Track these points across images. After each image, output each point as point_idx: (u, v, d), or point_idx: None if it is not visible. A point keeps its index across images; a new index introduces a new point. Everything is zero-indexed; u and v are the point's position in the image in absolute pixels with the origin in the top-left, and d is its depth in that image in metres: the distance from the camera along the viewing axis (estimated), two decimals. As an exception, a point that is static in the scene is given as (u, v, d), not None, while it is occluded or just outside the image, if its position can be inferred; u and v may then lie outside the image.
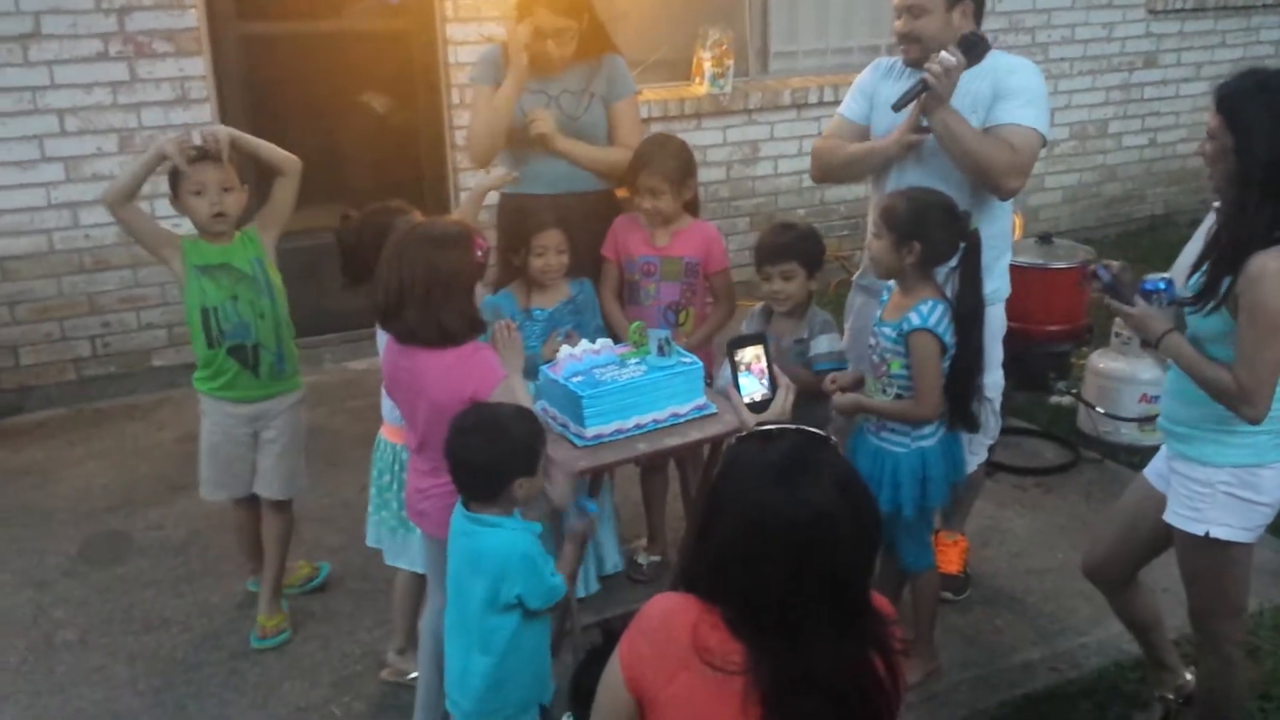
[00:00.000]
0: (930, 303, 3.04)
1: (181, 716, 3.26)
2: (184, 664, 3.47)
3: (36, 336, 5.28)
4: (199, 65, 5.30)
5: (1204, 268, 2.58)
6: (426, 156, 5.98)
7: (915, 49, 3.36)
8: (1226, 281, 2.50)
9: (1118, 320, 2.97)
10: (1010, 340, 3.65)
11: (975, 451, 3.66)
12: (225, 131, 3.29)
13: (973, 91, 3.30)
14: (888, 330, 3.08)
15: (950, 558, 3.74)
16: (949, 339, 3.04)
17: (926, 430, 3.13)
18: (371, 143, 5.92)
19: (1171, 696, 3.14)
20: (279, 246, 3.51)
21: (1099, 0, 7.39)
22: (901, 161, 3.39)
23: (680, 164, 3.56)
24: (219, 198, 3.31)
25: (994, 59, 3.35)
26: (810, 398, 3.36)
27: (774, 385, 2.64)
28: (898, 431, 3.12)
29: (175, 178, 3.32)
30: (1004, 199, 3.38)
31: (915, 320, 3.02)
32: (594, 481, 3.26)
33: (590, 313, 3.59)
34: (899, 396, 3.10)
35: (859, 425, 3.27)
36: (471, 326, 2.79)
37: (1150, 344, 2.67)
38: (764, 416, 2.28)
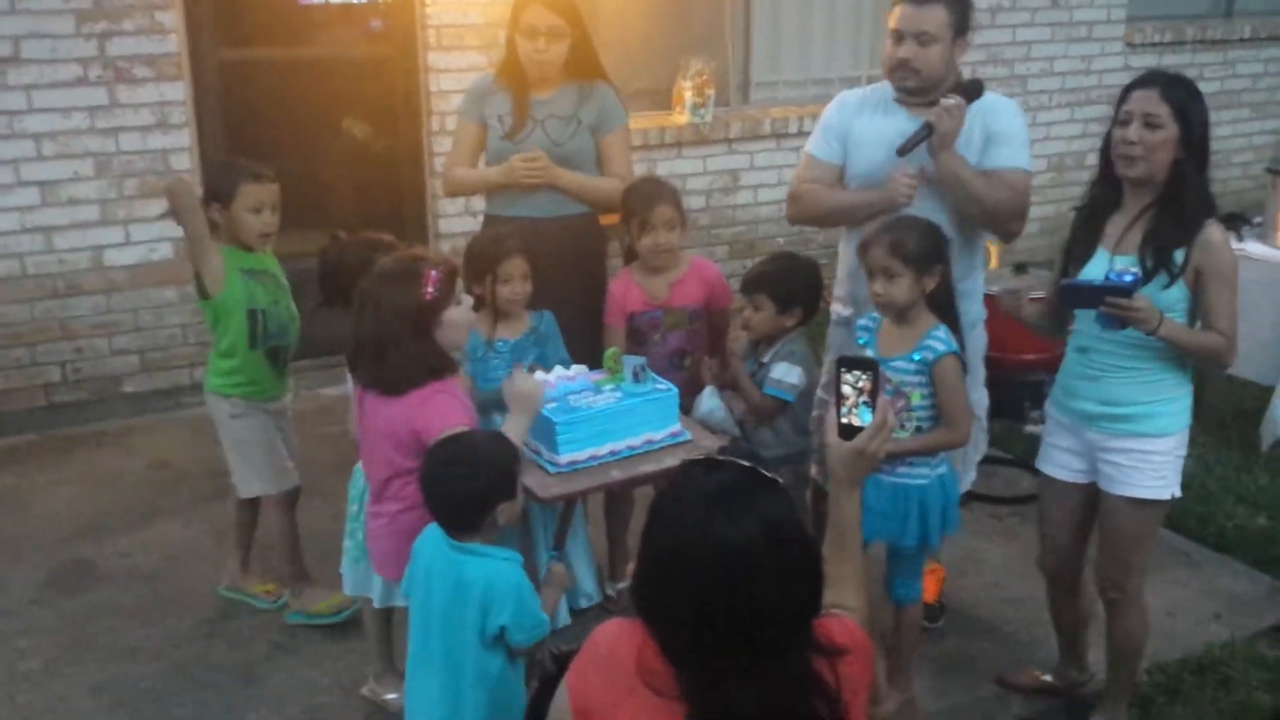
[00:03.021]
0: (941, 327, 3.02)
1: (145, 747, 3.22)
2: (150, 694, 3.42)
3: (6, 362, 5.23)
4: (179, 90, 5.28)
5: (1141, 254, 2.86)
6: (406, 183, 5.98)
7: (914, 78, 3.30)
8: (1180, 254, 2.81)
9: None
10: (986, 370, 3.65)
11: (971, 471, 3.67)
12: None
13: (964, 132, 3.27)
14: (901, 364, 3.03)
15: (927, 586, 3.70)
16: None
17: (941, 455, 3.13)
18: (352, 169, 5.91)
19: (1078, 677, 3.33)
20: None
21: (1078, 34, 7.46)
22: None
23: (678, 195, 3.60)
24: (271, 218, 3.50)
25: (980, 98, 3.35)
26: (759, 421, 3.39)
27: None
28: (917, 464, 3.09)
29: (231, 189, 3.45)
30: (1008, 241, 3.40)
31: (940, 348, 3.00)
32: (566, 513, 3.23)
33: (552, 344, 3.53)
34: (918, 429, 3.07)
35: None
36: (428, 370, 2.75)
37: (1151, 331, 2.80)
38: (852, 444, 2.14)
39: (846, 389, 2.18)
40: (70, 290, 5.27)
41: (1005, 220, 3.29)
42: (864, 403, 2.16)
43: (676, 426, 3.23)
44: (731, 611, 1.69)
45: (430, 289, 2.74)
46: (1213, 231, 2.82)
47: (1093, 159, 8.49)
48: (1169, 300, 2.84)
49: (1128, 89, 2.88)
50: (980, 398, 3.62)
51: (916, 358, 3.01)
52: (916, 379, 3.03)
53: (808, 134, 3.66)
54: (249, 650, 3.61)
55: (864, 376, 2.16)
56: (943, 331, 3.01)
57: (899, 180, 3.25)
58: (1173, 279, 2.83)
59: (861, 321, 3.22)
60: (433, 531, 2.63)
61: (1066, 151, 7.61)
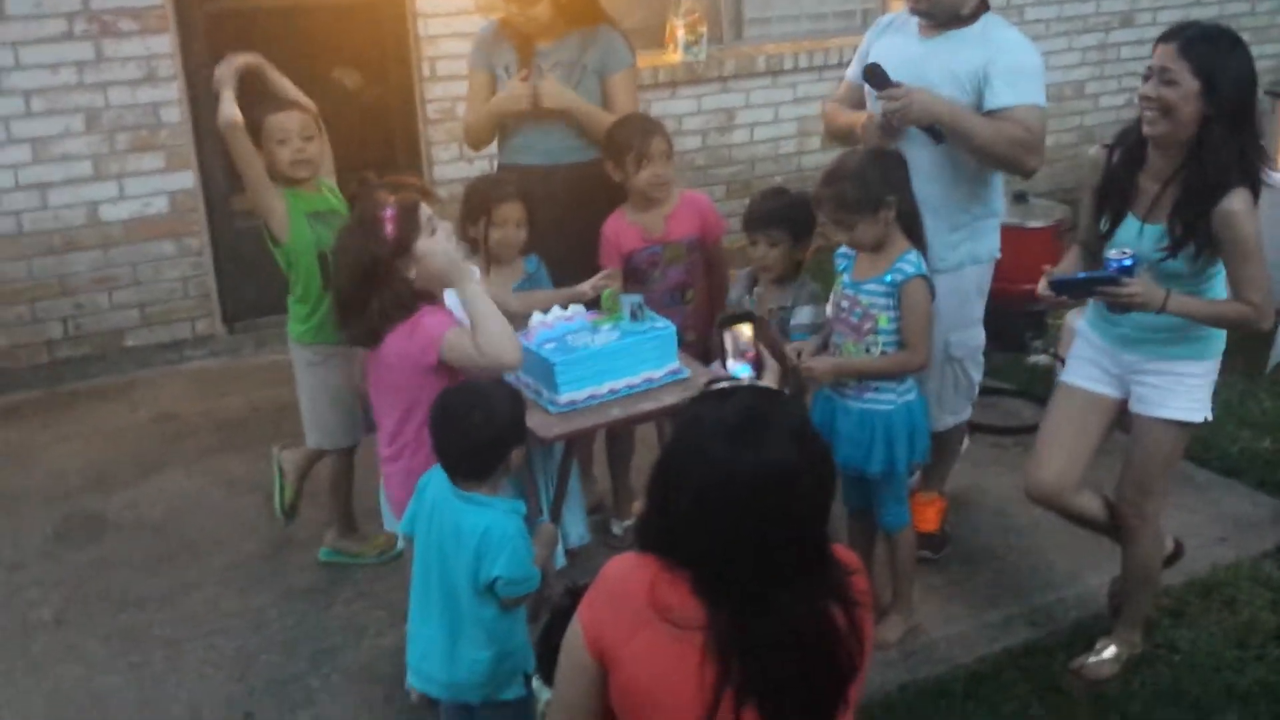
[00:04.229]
0: (914, 251, 3.06)
1: (159, 692, 3.24)
2: (161, 640, 3.45)
3: (8, 319, 5.23)
4: (165, 43, 5.24)
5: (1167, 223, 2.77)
6: (399, 132, 5.93)
7: (925, 1, 3.30)
8: (1202, 222, 2.71)
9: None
10: (988, 300, 3.63)
11: (957, 411, 3.66)
12: (243, 60, 3.45)
13: (963, 59, 3.24)
14: (872, 286, 3.07)
15: (927, 516, 3.72)
16: None
17: (909, 382, 3.14)
18: (343, 119, 5.78)
19: None
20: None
21: (1074, -40, 7.36)
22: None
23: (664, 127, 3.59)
24: (302, 145, 3.40)
25: (990, 29, 3.30)
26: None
27: (759, 367, 2.50)
28: (883, 389, 3.11)
29: (257, 128, 3.40)
30: (1027, 177, 3.36)
31: (909, 270, 3.04)
32: (562, 479, 3.22)
33: (544, 289, 3.51)
34: (883, 353, 3.08)
35: (823, 393, 3.23)
36: (401, 306, 2.74)
37: (1158, 311, 2.74)
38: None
39: (732, 346, 2.21)
40: (67, 246, 5.25)
41: (1020, 159, 3.24)
42: (744, 358, 2.20)
43: (675, 364, 3.23)
44: (781, 528, 1.74)
45: (390, 229, 2.71)
46: (1232, 201, 2.67)
47: (1092, 87, 8.40)
48: (1185, 270, 2.79)
49: (1156, 41, 2.76)
50: (968, 338, 3.56)
51: (888, 279, 3.05)
52: (885, 301, 3.06)
53: (802, 70, 3.68)
54: (258, 596, 3.64)
55: (746, 331, 2.19)
56: (914, 255, 3.06)
57: (869, 124, 3.33)
58: (1200, 251, 2.75)
59: (842, 249, 3.22)
60: (439, 473, 2.63)
61: (1065, 81, 7.52)
